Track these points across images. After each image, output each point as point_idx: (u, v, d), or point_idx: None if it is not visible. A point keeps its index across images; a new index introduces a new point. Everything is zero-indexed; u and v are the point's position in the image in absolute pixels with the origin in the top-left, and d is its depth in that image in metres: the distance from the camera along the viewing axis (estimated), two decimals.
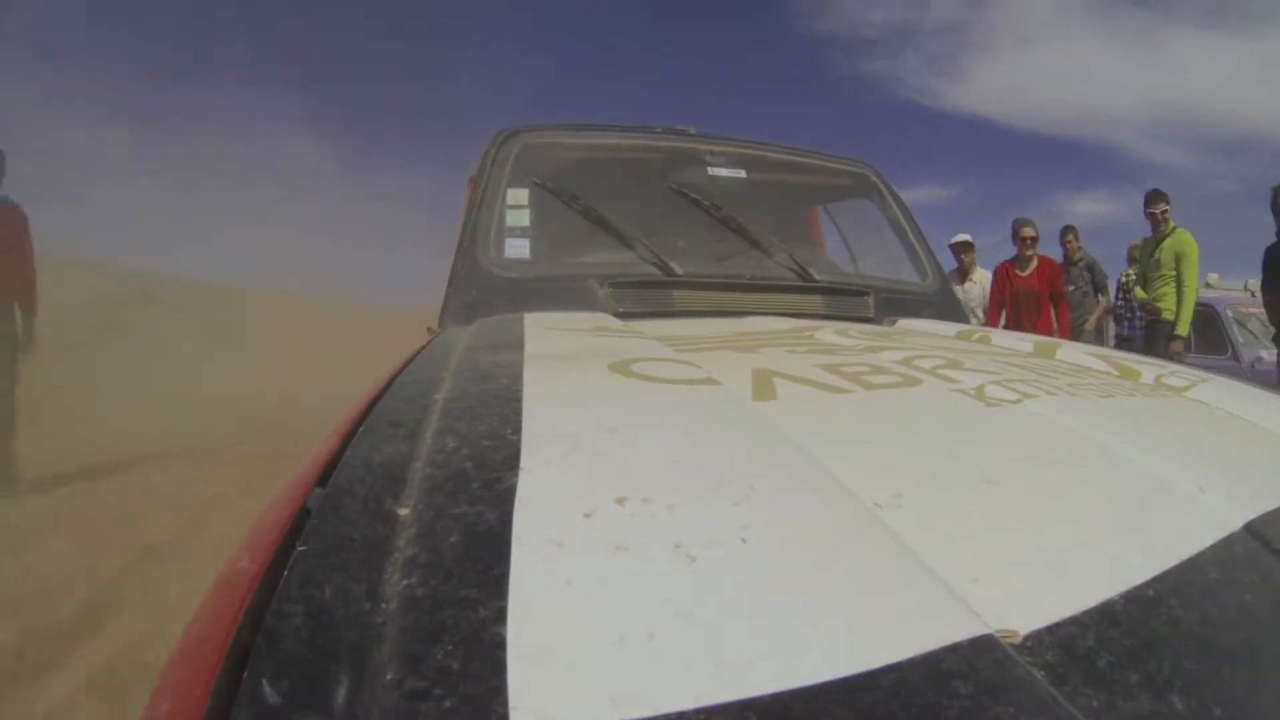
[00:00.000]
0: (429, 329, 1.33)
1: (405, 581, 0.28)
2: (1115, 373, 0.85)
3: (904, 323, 1.31)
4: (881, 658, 0.25)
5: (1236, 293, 4.79)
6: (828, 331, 1.01)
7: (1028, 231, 3.70)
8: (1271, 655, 0.32)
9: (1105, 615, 0.32)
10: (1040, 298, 3.66)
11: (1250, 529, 0.42)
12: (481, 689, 0.23)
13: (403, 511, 0.34)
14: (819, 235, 1.87)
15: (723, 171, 1.47)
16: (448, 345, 0.79)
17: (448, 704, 0.22)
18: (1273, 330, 3.40)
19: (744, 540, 0.32)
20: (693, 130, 1.58)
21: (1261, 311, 4.04)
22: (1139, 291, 3.86)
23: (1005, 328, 3.48)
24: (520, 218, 1.30)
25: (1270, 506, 0.45)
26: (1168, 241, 3.61)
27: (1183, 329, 3.56)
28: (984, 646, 0.27)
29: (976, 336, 1.12)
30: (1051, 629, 0.30)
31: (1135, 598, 0.34)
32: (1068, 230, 4.44)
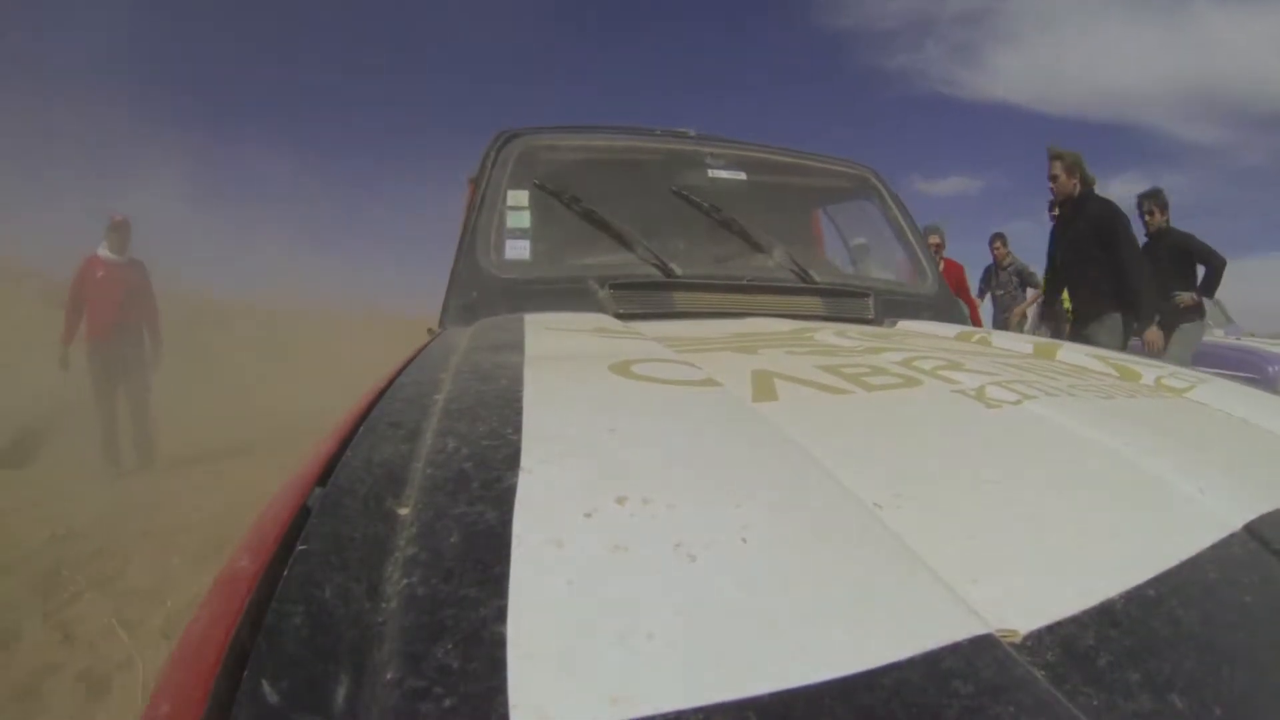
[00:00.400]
0: (429, 330, 1.33)
1: (405, 581, 0.28)
2: (1115, 374, 0.85)
3: (904, 324, 1.31)
4: (881, 657, 0.25)
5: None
6: (827, 333, 1.01)
7: (933, 239, 4.19)
8: (1271, 655, 0.32)
9: (1105, 615, 0.32)
10: None
11: (1250, 529, 0.42)
12: (481, 688, 0.23)
13: (403, 511, 0.34)
14: (819, 237, 1.87)
15: (722, 174, 1.47)
16: (448, 346, 0.79)
17: (448, 703, 0.22)
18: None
19: (744, 540, 0.32)
20: (692, 133, 1.58)
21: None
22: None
23: None
24: (520, 219, 1.30)
25: (1270, 506, 0.45)
26: None
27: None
28: (984, 646, 0.27)
29: (976, 338, 1.12)
30: (1052, 629, 0.30)
31: (1135, 598, 0.33)
32: (995, 237, 5.03)
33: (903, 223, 1.62)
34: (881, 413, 0.57)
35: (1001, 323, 4.89)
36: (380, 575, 0.29)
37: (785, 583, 0.29)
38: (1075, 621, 0.31)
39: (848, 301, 1.37)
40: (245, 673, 0.24)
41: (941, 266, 3.81)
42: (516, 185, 1.32)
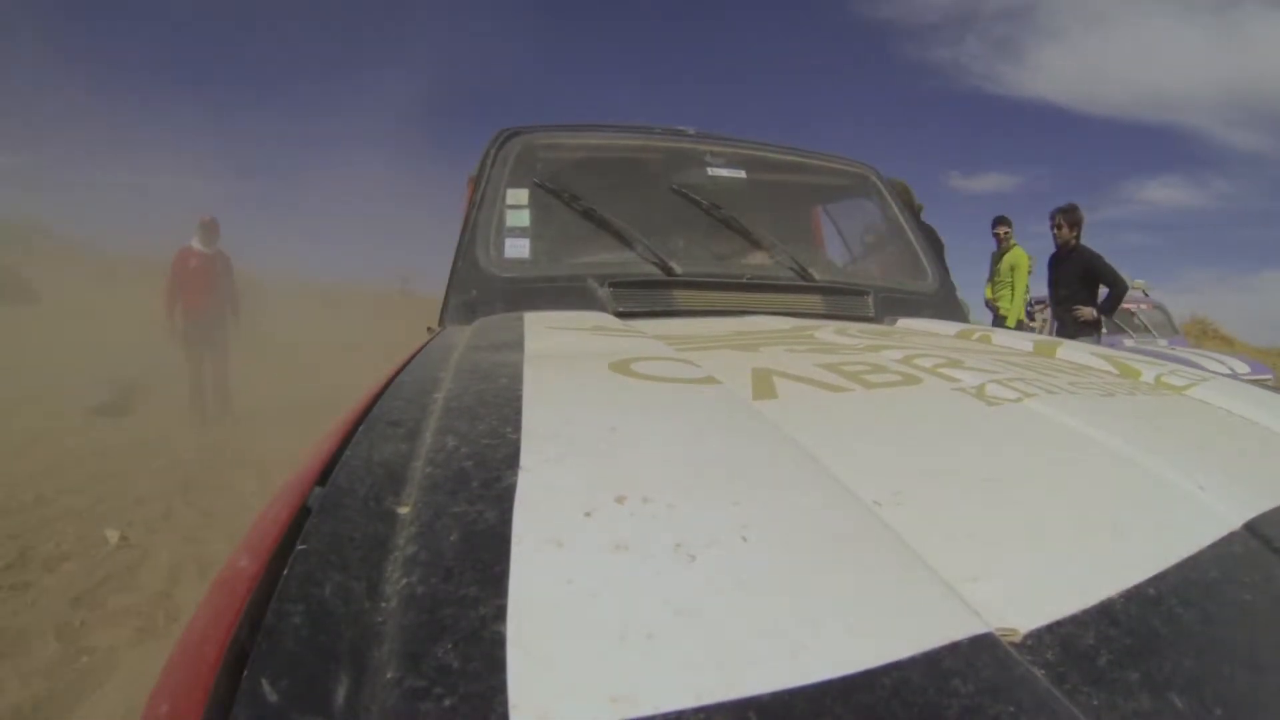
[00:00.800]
0: (429, 328, 1.33)
1: (405, 580, 0.28)
2: (1115, 372, 0.85)
3: (904, 322, 1.31)
4: (881, 656, 0.25)
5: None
6: (828, 330, 1.01)
7: (869, 239, 4.32)
8: (1271, 655, 0.32)
9: (1105, 614, 0.32)
10: None
11: (1250, 528, 0.42)
12: (481, 688, 0.23)
13: (403, 510, 0.34)
14: (819, 235, 1.87)
15: (723, 172, 1.47)
16: (448, 345, 0.79)
17: (448, 703, 0.22)
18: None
19: (744, 539, 0.32)
20: (692, 130, 1.58)
21: (1140, 307, 5.68)
22: (987, 291, 4.67)
23: None
24: (520, 218, 1.30)
25: (1270, 506, 0.45)
26: (1007, 256, 4.46)
27: (1011, 322, 4.37)
28: (984, 645, 0.27)
29: (977, 336, 1.12)
30: (1052, 628, 0.30)
31: (1135, 597, 0.33)
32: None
33: (902, 221, 1.61)
34: (882, 411, 0.57)
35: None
36: (380, 575, 0.29)
37: (785, 582, 0.29)
38: (1075, 621, 0.31)
39: (848, 299, 1.37)
40: (245, 672, 0.24)
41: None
42: (516, 184, 1.32)
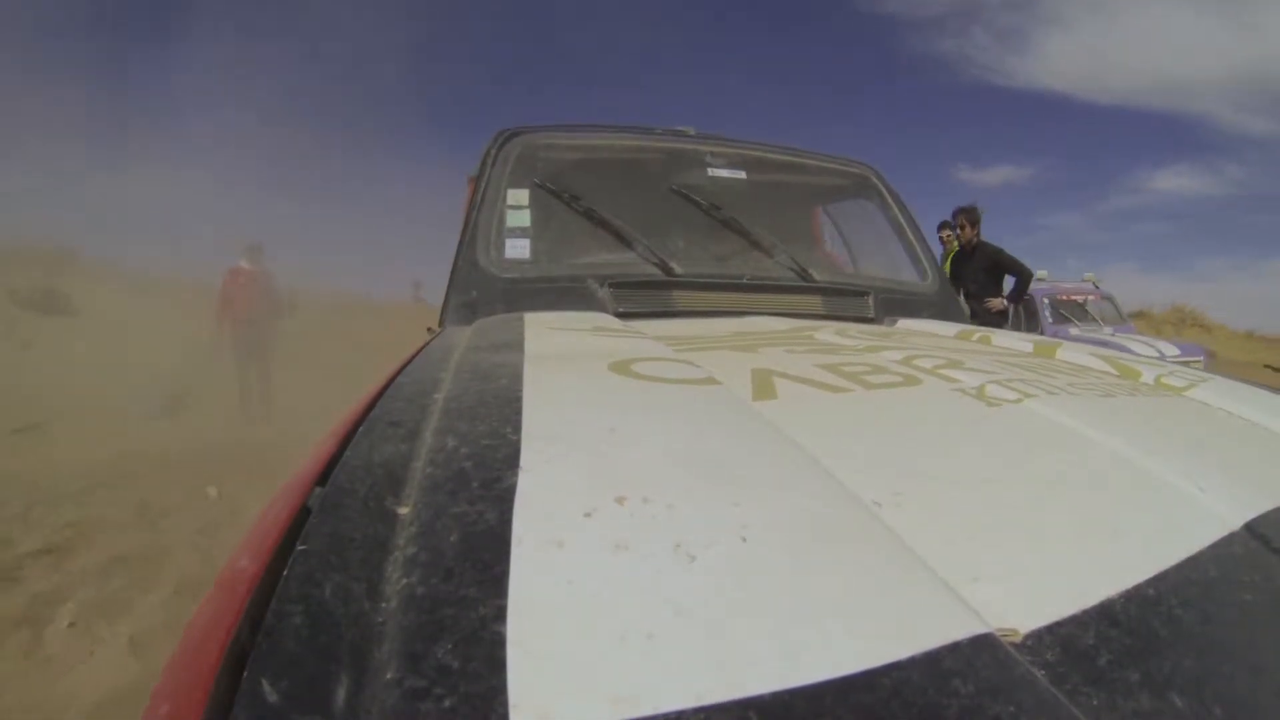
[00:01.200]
0: (429, 329, 1.33)
1: (405, 581, 0.28)
2: (1115, 373, 0.85)
3: (904, 323, 1.31)
4: (882, 657, 0.25)
5: (1069, 284, 6.44)
6: (828, 331, 1.01)
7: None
8: (1271, 655, 0.32)
9: (1105, 614, 0.32)
10: None
11: (1250, 529, 0.42)
12: (481, 688, 0.23)
13: (403, 511, 0.34)
14: (819, 236, 1.87)
15: (723, 172, 1.47)
16: (448, 345, 0.79)
17: (448, 703, 0.22)
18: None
19: (744, 540, 0.32)
20: (692, 131, 1.58)
21: (1090, 299, 6.01)
22: None
23: None
24: (520, 218, 1.30)
25: (1270, 506, 0.45)
26: (950, 258, 4.54)
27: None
28: (984, 645, 0.27)
29: (977, 336, 1.12)
30: (1052, 628, 0.30)
31: (1135, 597, 0.33)
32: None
33: (903, 221, 1.62)
34: (881, 411, 0.57)
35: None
36: (380, 575, 0.29)
37: (785, 582, 0.29)
38: (1075, 621, 0.31)
39: (847, 300, 1.37)
40: (245, 673, 0.24)
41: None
42: (516, 184, 1.32)
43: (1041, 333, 5.45)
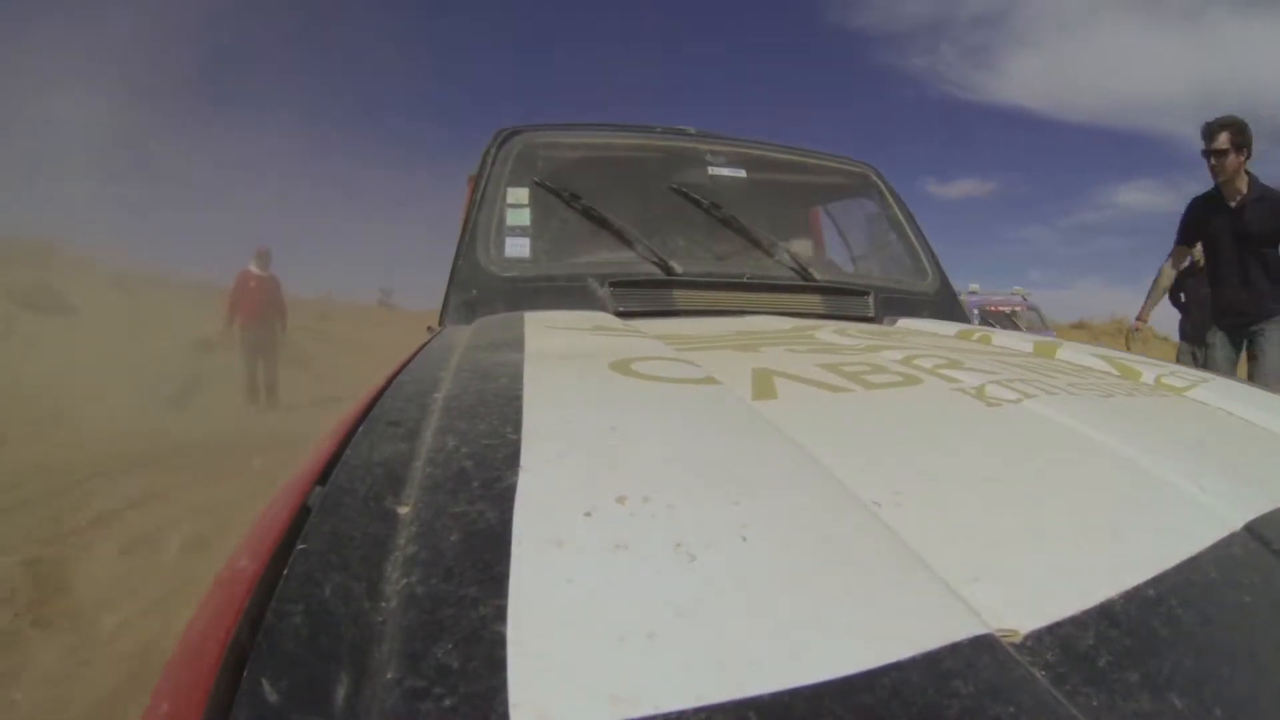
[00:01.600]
0: (429, 328, 1.33)
1: (405, 580, 0.28)
2: (1115, 373, 0.85)
3: (904, 322, 1.31)
4: (881, 657, 0.25)
5: (1000, 296, 7.10)
6: (828, 331, 1.01)
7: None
8: (1271, 655, 0.32)
9: (1105, 615, 0.32)
10: None
11: (1250, 529, 0.42)
12: (481, 688, 0.23)
13: (403, 510, 0.34)
14: (819, 235, 1.87)
15: (723, 171, 1.47)
16: (448, 344, 0.79)
17: (448, 703, 0.22)
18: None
19: (744, 540, 0.32)
20: (693, 130, 1.58)
21: (1017, 309, 6.60)
22: None
23: None
24: (520, 217, 1.30)
25: (1270, 506, 0.45)
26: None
27: None
28: (984, 646, 0.27)
29: (977, 336, 1.12)
30: (1052, 628, 0.30)
31: (1135, 598, 0.33)
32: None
33: (903, 220, 1.61)
34: (882, 411, 0.57)
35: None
36: (380, 575, 0.29)
37: (785, 582, 0.29)
38: (1075, 621, 0.31)
39: (848, 299, 1.37)
40: (245, 673, 0.23)
41: None
42: (516, 183, 1.32)
43: None
